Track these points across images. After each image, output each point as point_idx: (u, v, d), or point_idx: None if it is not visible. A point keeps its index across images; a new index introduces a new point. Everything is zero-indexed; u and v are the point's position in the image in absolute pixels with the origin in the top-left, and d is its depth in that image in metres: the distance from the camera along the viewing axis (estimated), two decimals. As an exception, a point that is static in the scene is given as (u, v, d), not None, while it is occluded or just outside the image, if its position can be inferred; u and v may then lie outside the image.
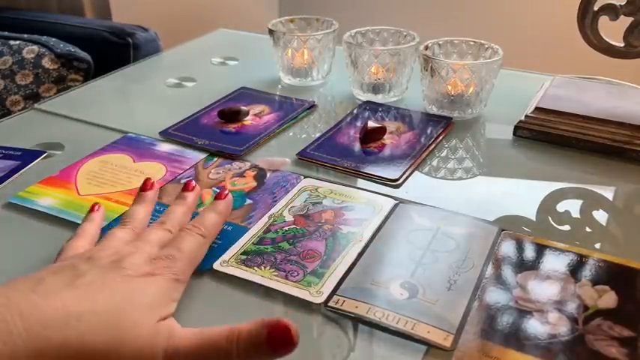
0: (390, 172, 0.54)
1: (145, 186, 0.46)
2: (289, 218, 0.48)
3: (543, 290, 0.39)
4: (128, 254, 0.36)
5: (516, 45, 1.13)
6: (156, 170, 0.55)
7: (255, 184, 0.53)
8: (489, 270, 0.42)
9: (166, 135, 0.62)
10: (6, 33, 1.08)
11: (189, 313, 0.38)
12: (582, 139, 0.58)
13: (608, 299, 0.39)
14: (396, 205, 0.49)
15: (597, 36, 0.60)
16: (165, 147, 0.60)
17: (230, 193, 0.45)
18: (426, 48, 0.65)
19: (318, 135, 0.61)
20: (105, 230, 0.46)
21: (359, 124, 0.63)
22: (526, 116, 0.61)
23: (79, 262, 0.35)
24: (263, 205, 0.50)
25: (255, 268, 0.42)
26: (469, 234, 0.45)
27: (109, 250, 0.37)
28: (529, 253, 0.43)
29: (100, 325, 0.31)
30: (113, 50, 1.12)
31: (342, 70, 0.72)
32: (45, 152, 0.58)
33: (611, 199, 0.52)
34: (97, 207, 0.45)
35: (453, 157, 0.58)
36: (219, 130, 0.63)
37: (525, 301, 0.39)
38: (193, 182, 0.47)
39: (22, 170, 0.55)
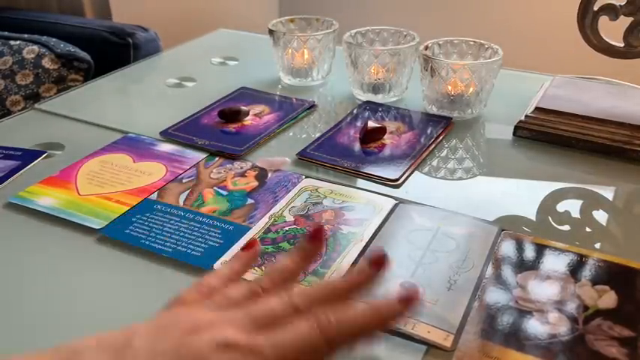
0: (390, 172, 0.54)
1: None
2: (290, 218, 0.48)
3: (543, 290, 0.40)
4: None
5: (516, 45, 1.13)
6: (156, 170, 0.55)
7: (256, 183, 0.53)
8: (489, 270, 0.42)
9: (166, 135, 0.62)
10: (6, 33, 1.08)
11: (190, 313, 0.38)
12: (582, 139, 0.58)
13: (608, 299, 0.39)
14: (396, 205, 0.49)
15: (597, 36, 0.60)
16: (166, 147, 0.60)
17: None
18: (426, 48, 0.65)
19: (318, 135, 0.61)
20: (109, 232, 0.46)
21: (359, 124, 0.63)
22: (526, 116, 0.61)
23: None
24: (264, 205, 0.50)
25: (256, 268, 0.42)
26: (469, 234, 0.45)
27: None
28: (529, 253, 0.43)
29: None
30: (113, 50, 1.12)
31: (342, 70, 0.72)
32: (45, 152, 0.58)
33: (611, 199, 0.52)
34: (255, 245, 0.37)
35: (453, 157, 0.58)
36: (220, 130, 0.63)
37: (525, 301, 0.39)
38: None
39: (22, 170, 0.55)
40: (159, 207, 0.49)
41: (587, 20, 0.59)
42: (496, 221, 0.47)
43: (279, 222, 0.47)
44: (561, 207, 0.50)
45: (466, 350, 0.35)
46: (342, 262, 0.42)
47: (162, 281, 0.42)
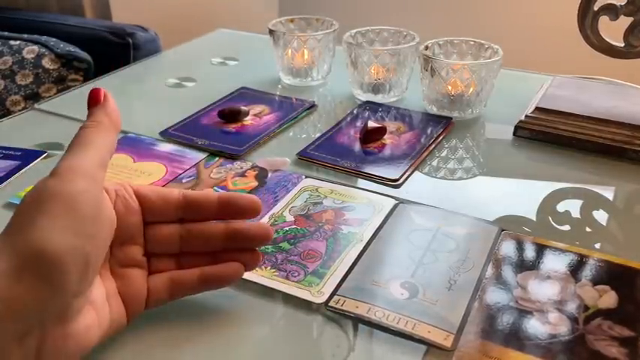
0: (390, 172, 0.54)
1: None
2: (290, 218, 0.48)
3: (543, 290, 0.40)
4: None
5: (516, 45, 1.13)
6: (156, 170, 0.55)
7: (256, 183, 0.53)
8: (489, 270, 0.42)
9: (166, 135, 0.62)
10: (6, 33, 1.08)
11: (189, 313, 0.38)
12: (582, 139, 0.58)
13: (609, 299, 0.39)
14: (396, 205, 0.49)
15: (597, 36, 0.60)
16: (166, 147, 0.60)
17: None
18: (426, 48, 0.65)
19: (318, 135, 0.61)
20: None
21: (359, 124, 0.63)
22: (526, 116, 0.61)
23: None
24: (264, 205, 0.49)
25: (256, 268, 0.42)
26: (469, 234, 0.45)
27: None
28: (529, 253, 0.43)
29: None
30: (113, 50, 1.12)
31: (342, 70, 0.72)
32: (45, 152, 0.58)
33: (611, 199, 0.52)
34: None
35: (453, 157, 0.58)
36: (219, 130, 0.63)
37: (525, 301, 0.39)
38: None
39: (22, 170, 0.55)
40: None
41: (587, 20, 0.59)
42: (496, 221, 0.47)
43: (279, 222, 0.47)
44: (561, 207, 0.50)
45: (466, 350, 0.35)
46: (342, 262, 0.42)
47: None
